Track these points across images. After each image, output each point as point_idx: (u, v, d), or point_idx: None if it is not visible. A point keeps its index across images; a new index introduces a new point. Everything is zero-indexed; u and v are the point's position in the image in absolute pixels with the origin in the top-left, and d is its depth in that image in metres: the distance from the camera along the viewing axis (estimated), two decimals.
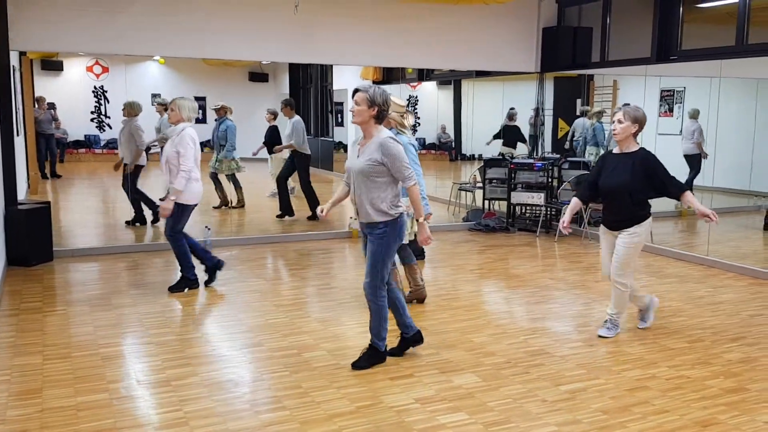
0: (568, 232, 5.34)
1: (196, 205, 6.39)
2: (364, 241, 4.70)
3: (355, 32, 8.78)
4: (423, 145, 21.08)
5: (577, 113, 12.26)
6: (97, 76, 18.90)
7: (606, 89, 16.34)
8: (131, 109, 9.24)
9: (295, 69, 18.42)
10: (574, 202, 5.40)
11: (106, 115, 18.59)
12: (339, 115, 17.01)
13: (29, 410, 3.94)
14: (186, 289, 6.45)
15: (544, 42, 9.59)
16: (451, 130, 20.51)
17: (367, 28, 8.82)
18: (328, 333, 5.33)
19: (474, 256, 8.22)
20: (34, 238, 7.40)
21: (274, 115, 11.42)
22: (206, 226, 8.47)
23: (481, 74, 11.28)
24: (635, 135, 5.08)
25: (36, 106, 15.28)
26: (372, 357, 4.65)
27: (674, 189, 5.05)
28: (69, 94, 18.09)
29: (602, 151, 11.53)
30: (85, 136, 18.53)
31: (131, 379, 4.42)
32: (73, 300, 6.14)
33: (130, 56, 18.13)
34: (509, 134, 11.58)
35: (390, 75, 13.77)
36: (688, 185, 11.98)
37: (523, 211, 10.10)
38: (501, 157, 10.11)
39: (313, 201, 9.98)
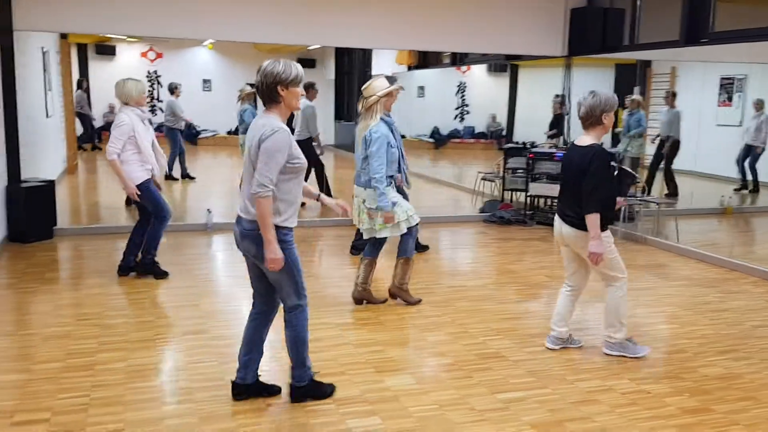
0: None
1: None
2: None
3: (377, 15, 8.48)
4: (472, 134, 20.60)
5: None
6: (152, 61, 19.26)
7: (663, 77, 15.45)
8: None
9: (340, 54, 18.24)
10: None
11: (158, 99, 18.89)
12: None
13: None
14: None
15: (573, 24, 9.01)
16: (503, 118, 19.93)
17: (388, 11, 8.50)
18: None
19: (476, 249, 7.82)
20: (33, 216, 7.47)
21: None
22: (208, 209, 8.38)
23: (511, 58, 10.76)
24: None
25: None
26: None
27: None
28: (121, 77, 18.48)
29: (630, 142, 10.85)
30: None
31: (58, 361, 4.31)
32: (50, 278, 6.12)
33: (182, 42, 18.46)
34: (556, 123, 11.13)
35: (426, 59, 13.36)
36: None
37: (548, 203, 9.58)
38: (522, 145, 9.60)
39: None
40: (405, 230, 5.31)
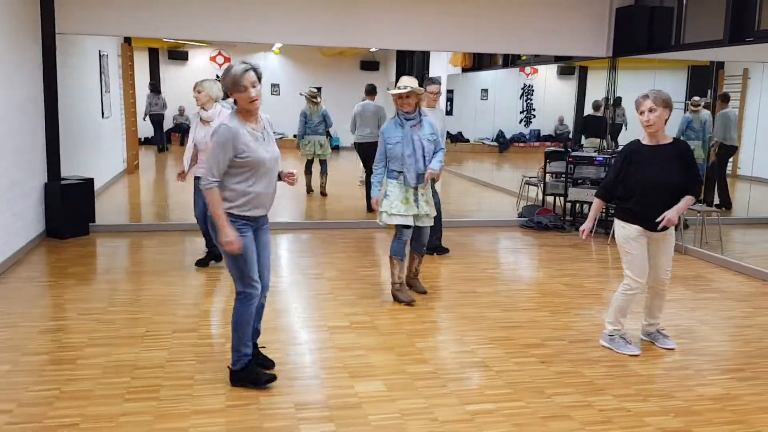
0: (586, 237, 4.70)
1: None
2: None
3: (433, 18, 8.49)
4: (538, 137, 20.12)
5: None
6: (220, 65, 19.77)
7: (735, 79, 14.64)
8: None
9: (402, 57, 18.20)
10: (597, 204, 4.79)
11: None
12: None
13: None
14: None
15: (618, 24, 8.63)
16: (570, 121, 19.37)
17: (443, 14, 8.50)
18: (272, 325, 5.05)
19: (504, 254, 7.58)
20: (71, 213, 7.74)
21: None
22: None
23: (559, 59, 10.42)
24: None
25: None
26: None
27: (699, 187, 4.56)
28: (194, 82, 19.02)
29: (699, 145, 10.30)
30: None
31: (45, 353, 4.42)
32: (71, 273, 6.31)
33: (250, 47, 18.85)
34: (592, 126, 10.69)
35: (480, 62, 13.13)
36: None
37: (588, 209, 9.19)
38: (563, 149, 9.27)
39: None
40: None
